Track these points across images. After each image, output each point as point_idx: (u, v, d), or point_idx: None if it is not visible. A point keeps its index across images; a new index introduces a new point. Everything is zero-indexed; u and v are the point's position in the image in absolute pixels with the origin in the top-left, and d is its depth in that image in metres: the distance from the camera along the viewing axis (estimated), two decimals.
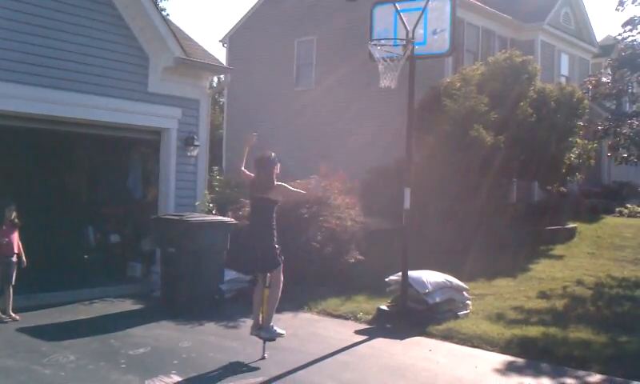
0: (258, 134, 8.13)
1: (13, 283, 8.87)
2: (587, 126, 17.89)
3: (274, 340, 7.57)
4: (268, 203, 7.42)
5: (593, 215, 20.68)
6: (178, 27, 13.20)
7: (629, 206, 22.79)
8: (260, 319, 7.60)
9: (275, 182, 7.47)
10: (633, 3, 14.49)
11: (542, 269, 13.65)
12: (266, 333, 7.51)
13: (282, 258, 7.53)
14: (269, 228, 7.38)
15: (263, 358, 7.32)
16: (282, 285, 7.60)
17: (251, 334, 7.67)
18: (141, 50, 11.58)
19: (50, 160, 12.52)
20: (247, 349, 7.76)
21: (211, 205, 12.44)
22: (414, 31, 9.21)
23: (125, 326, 8.67)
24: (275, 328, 7.61)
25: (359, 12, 15.02)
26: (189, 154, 12.28)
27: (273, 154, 7.64)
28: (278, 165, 7.59)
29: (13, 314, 8.83)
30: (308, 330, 8.97)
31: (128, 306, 10.23)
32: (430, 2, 9.32)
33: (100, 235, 13.08)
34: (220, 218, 11.06)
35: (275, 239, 7.41)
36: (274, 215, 7.47)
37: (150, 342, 7.91)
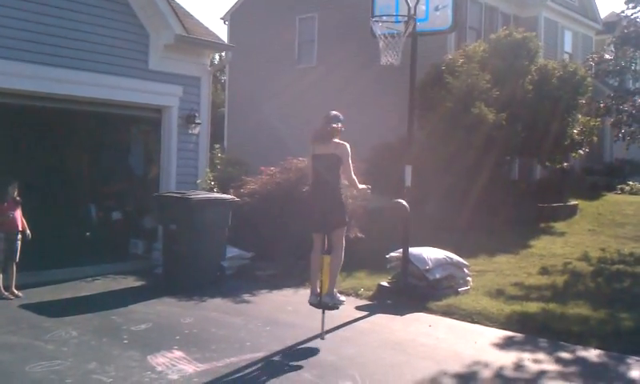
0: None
1: (17, 260, 8.93)
2: (590, 103, 17.82)
3: (337, 308, 7.39)
4: (333, 159, 7.10)
5: (594, 192, 20.69)
6: (178, 4, 13.12)
7: (630, 183, 22.79)
8: (318, 286, 7.31)
9: (344, 143, 7.15)
10: None
11: (542, 245, 13.69)
12: (329, 298, 7.25)
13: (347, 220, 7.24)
14: (336, 183, 7.12)
15: (322, 336, 7.15)
16: (343, 248, 7.28)
17: (309, 302, 7.43)
18: (141, 28, 11.55)
19: (51, 138, 12.50)
20: (249, 324, 7.82)
21: (213, 182, 12.46)
22: (415, 7, 9.13)
23: (127, 303, 8.73)
24: (338, 296, 7.39)
25: None
26: (190, 131, 12.28)
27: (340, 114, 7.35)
28: (341, 124, 7.29)
29: (16, 291, 8.90)
30: (309, 306, 8.99)
31: (130, 282, 10.30)
32: None
33: (102, 213, 13.09)
34: (221, 195, 11.08)
35: (342, 196, 7.17)
36: (340, 173, 7.14)
37: (152, 318, 7.98)
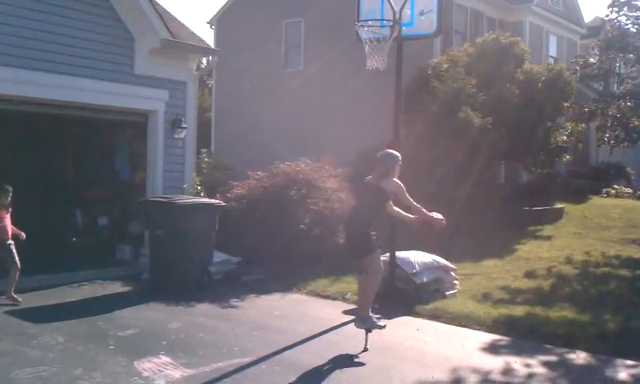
0: None
1: (18, 266, 8.85)
2: (575, 107, 17.94)
3: (371, 331, 7.21)
4: (378, 191, 7.09)
5: (580, 196, 20.80)
6: (164, 8, 13.09)
7: (616, 186, 22.96)
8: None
9: (393, 179, 7.14)
10: None
11: (529, 249, 13.75)
12: (360, 323, 7.22)
13: (381, 246, 7.27)
14: (368, 214, 7.13)
15: (365, 349, 7.03)
16: (380, 274, 7.40)
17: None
18: (127, 32, 11.50)
19: (37, 143, 12.44)
20: (236, 329, 7.80)
21: (199, 187, 12.42)
22: (401, 12, 9.15)
23: (113, 308, 8.68)
24: (374, 319, 7.26)
25: None
26: (176, 136, 12.24)
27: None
28: (398, 166, 7.24)
29: (15, 296, 8.81)
30: (297, 311, 9.02)
31: (117, 288, 10.24)
32: None
33: (88, 218, 13.05)
34: (208, 200, 11.05)
35: (372, 226, 7.11)
36: (381, 205, 7.18)
37: (138, 324, 7.93)
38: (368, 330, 7.20)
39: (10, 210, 9.04)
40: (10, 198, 8.99)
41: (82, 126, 12.59)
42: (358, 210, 7.30)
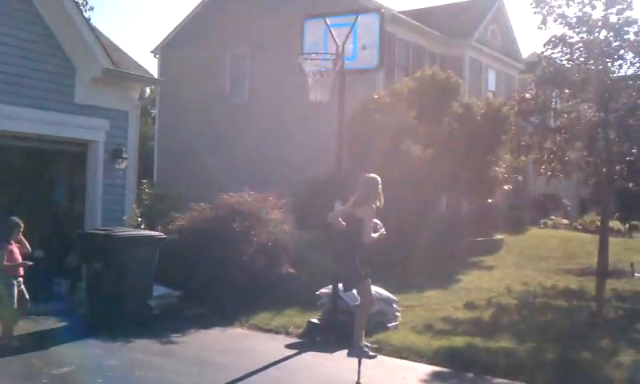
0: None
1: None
2: (513, 140, 18.40)
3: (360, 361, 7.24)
4: (352, 220, 7.25)
5: (519, 227, 21.32)
6: (108, 38, 12.96)
7: (553, 217, 23.64)
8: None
9: (370, 205, 7.23)
10: (554, 22, 14.99)
11: (470, 279, 13.97)
12: (354, 352, 7.30)
13: (368, 273, 7.33)
14: (349, 244, 7.25)
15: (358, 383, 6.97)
16: (371, 304, 7.54)
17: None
18: (67, 60, 11.31)
19: None
20: (176, 366, 7.65)
21: (140, 219, 12.22)
22: (343, 46, 9.30)
23: (48, 345, 8.41)
24: (366, 348, 7.39)
25: (292, 25, 15.08)
26: (117, 166, 12.03)
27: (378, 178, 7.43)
28: (379, 192, 7.35)
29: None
30: (238, 346, 8.89)
31: (52, 323, 9.90)
32: (359, 18, 9.46)
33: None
34: (148, 232, 10.87)
35: (357, 256, 7.23)
36: (359, 232, 7.22)
37: (74, 361, 7.70)
38: (359, 360, 7.21)
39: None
40: (20, 233, 8.74)
41: (18, 156, 12.25)
42: (341, 240, 7.39)
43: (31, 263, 8.80)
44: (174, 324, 9.92)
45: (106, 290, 9.61)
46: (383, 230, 7.49)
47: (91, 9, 27.80)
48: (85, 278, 10.56)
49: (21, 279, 8.61)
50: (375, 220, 7.36)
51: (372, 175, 7.46)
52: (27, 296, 8.66)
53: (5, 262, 8.38)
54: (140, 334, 9.13)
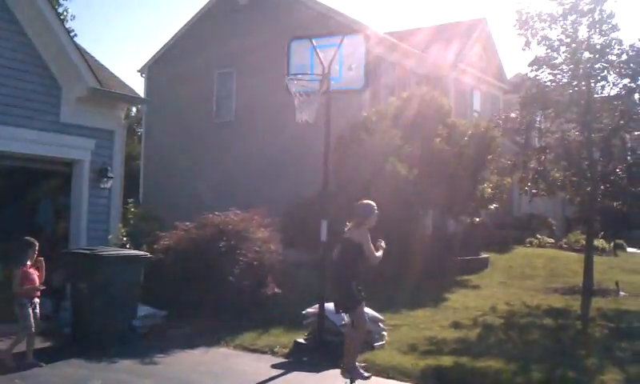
0: None
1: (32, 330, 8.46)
2: (498, 160, 18.53)
3: (354, 382, 7.46)
4: (349, 245, 7.53)
5: (505, 246, 21.40)
6: (94, 57, 12.95)
7: (538, 236, 23.73)
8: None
9: (365, 228, 7.54)
10: (538, 44, 15.16)
11: (456, 298, 13.97)
12: (347, 373, 7.46)
13: (363, 296, 7.52)
14: (346, 268, 7.50)
15: None
16: (365, 327, 7.73)
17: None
18: (53, 80, 11.29)
19: None
20: None
21: (125, 238, 12.14)
22: (329, 67, 9.36)
23: (32, 365, 8.29)
24: (361, 370, 7.54)
25: (278, 45, 15.16)
26: (102, 186, 11.98)
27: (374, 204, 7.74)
28: (374, 216, 7.67)
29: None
30: (224, 365, 8.84)
31: (36, 343, 9.77)
32: (345, 39, 9.55)
33: (7, 270, 12.51)
34: (134, 251, 10.82)
35: (355, 279, 7.45)
36: (355, 257, 7.52)
37: (57, 381, 7.66)
38: (352, 381, 7.43)
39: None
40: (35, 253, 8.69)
41: (3, 175, 12.18)
42: (338, 264, 7.62)
43: (44, 287, 8.81)
44: (160, 344, 9.84)
45: (90, 310, 9.55)
46: (383, 243, 7.79)
47: (72, 18, 28.15)
48: (69, 298, 10.48)
49: (37, 301, 8.61)
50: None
51: (368, 201, 7.77)
52: (39, 317, 8.69)
53: (22, 286, 8.40)
54: (125, 354, 9.06)
